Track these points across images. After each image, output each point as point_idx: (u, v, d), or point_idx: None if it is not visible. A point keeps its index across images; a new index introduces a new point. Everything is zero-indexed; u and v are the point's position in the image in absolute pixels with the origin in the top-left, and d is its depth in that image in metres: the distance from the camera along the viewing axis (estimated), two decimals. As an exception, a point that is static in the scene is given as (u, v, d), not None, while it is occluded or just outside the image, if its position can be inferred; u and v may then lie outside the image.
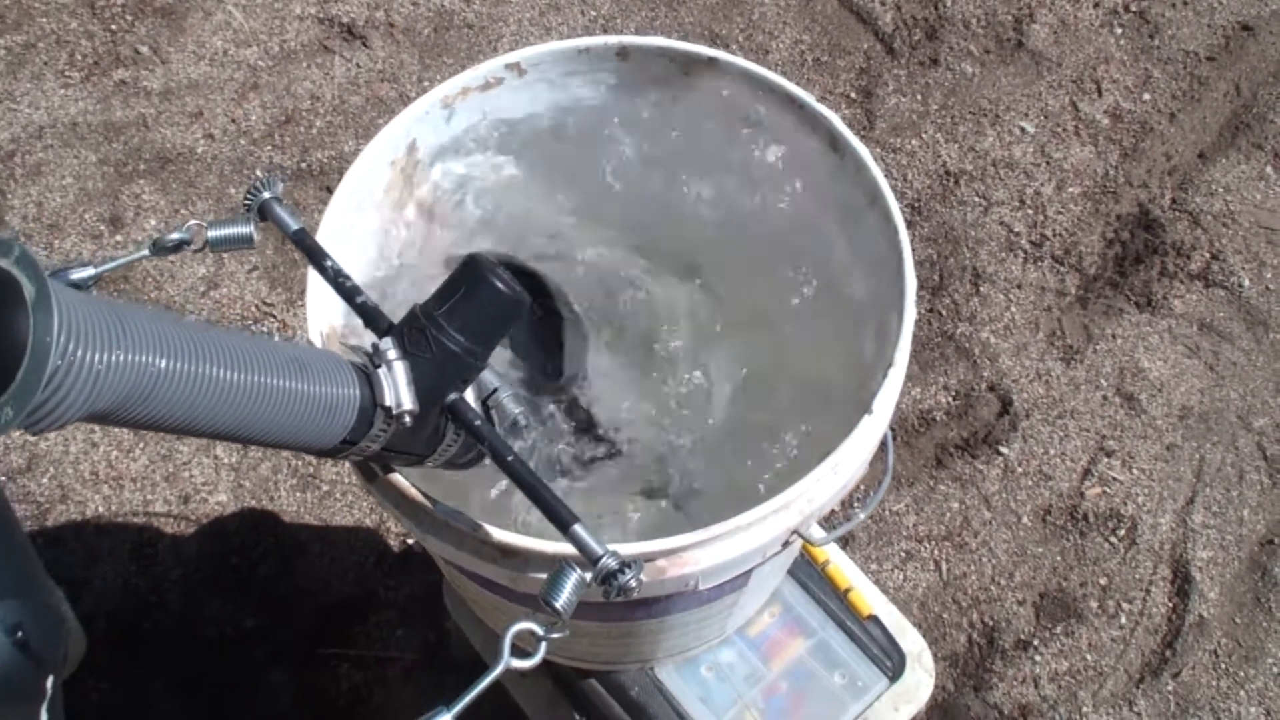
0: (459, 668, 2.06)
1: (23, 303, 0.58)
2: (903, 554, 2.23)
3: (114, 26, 2.90)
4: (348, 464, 2.20)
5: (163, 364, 0.65)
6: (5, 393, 0.57)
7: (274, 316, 2.44)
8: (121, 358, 0.62)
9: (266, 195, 0.96)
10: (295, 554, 2.21)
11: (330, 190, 2.55)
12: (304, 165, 2.65)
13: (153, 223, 2.56)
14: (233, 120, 2.74)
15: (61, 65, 2.83)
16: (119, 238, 2.53)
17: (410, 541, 2.23)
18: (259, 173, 2.64)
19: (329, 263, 0.94)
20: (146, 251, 0.94)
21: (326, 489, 2.26)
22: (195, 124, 2.73)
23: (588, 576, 0.80)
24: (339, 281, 0.93)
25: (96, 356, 0.61)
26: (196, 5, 2.94)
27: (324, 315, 1.06)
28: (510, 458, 0.85)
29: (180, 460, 2.28)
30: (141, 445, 2.30)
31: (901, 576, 2.21)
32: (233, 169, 2.66)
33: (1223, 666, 2.12)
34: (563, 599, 0.79)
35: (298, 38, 2.89)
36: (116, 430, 2.30)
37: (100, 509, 2.22)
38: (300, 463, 2.28)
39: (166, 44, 2.86)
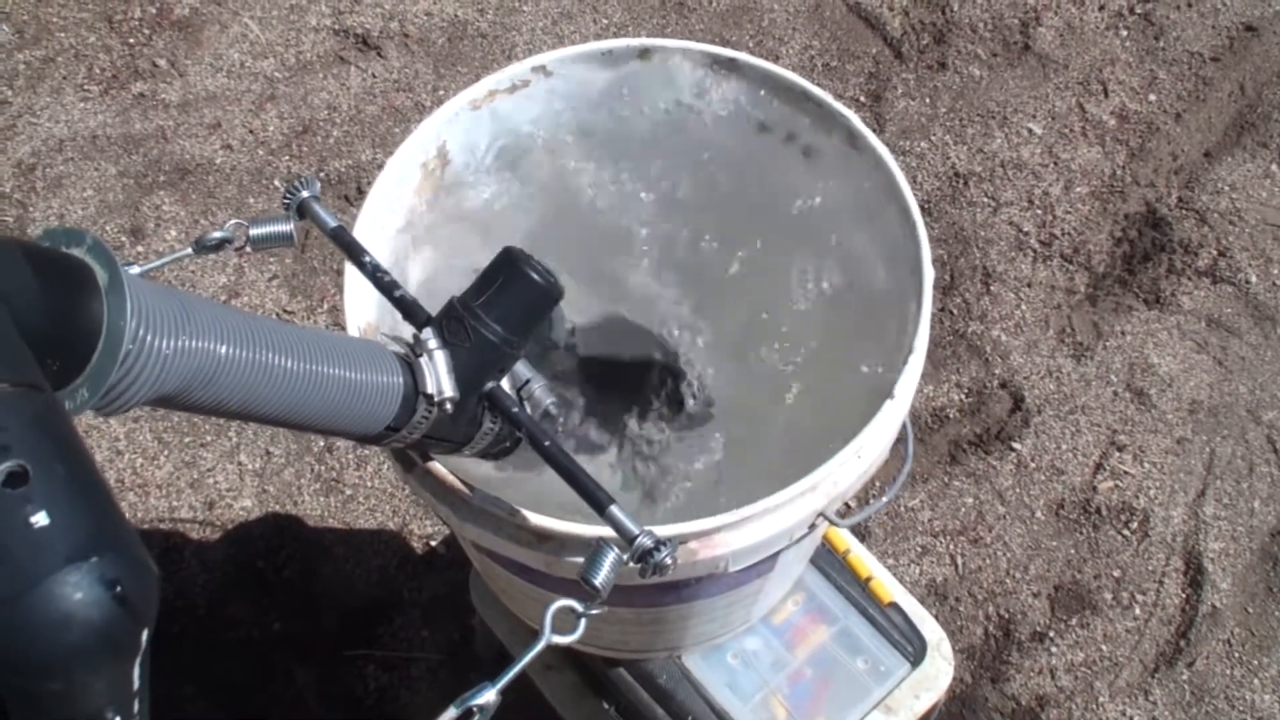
0: (483, 666, 2.08)
1: (96, 289, 0.61)
2: (919, 549, 2.25)
3: (131, 40, 2.94)
4: (369, 468, 2.23)
5: (223, 350, 0.68)
6: (82, 375, 0.60)
7: (284, 322, 2.46)
8: (187, 343, 0.65)
9: (305, 194, 0.99)
10: (319, 557, 2.24)
11: (348, 199, 2.59)
12: (322, 175, 2.68)
13: (173, 233, 2.60)
14: (251, 131, 2.77)
15: (80, 79, 2.86)
16: (140, 248, 2.57)
17: (433, 543, 2.25)
18: (278, 183, 2.68)
19: (367, 259, 0.96)
20: (190, 250, 0.96)
21: (349, 493, 2.29)
22: (214, 135, 2.76)
23: (625, 555, 0.83)
24: (377, 277, 0.95)
25: (164, 341, 0.64)
26: (213, 18, 2.97)
27: (361, 310, 1.09)
28: (548, 443, 0.88)
29: (204, 467, 2.31)
30: (166, 453, 2.33)
31: (918, 571, 2.23)
32: (251, 179, 2.69)
33: (1236, 655, 2.15)
34: (601, 576, 0.81)
35: (314, 49, 2.92)
36: (141, 438, 2.33)
37: (126, 516, 2.24)
38: (323, 467, 2.31)
39: (184, 57, 2.90)
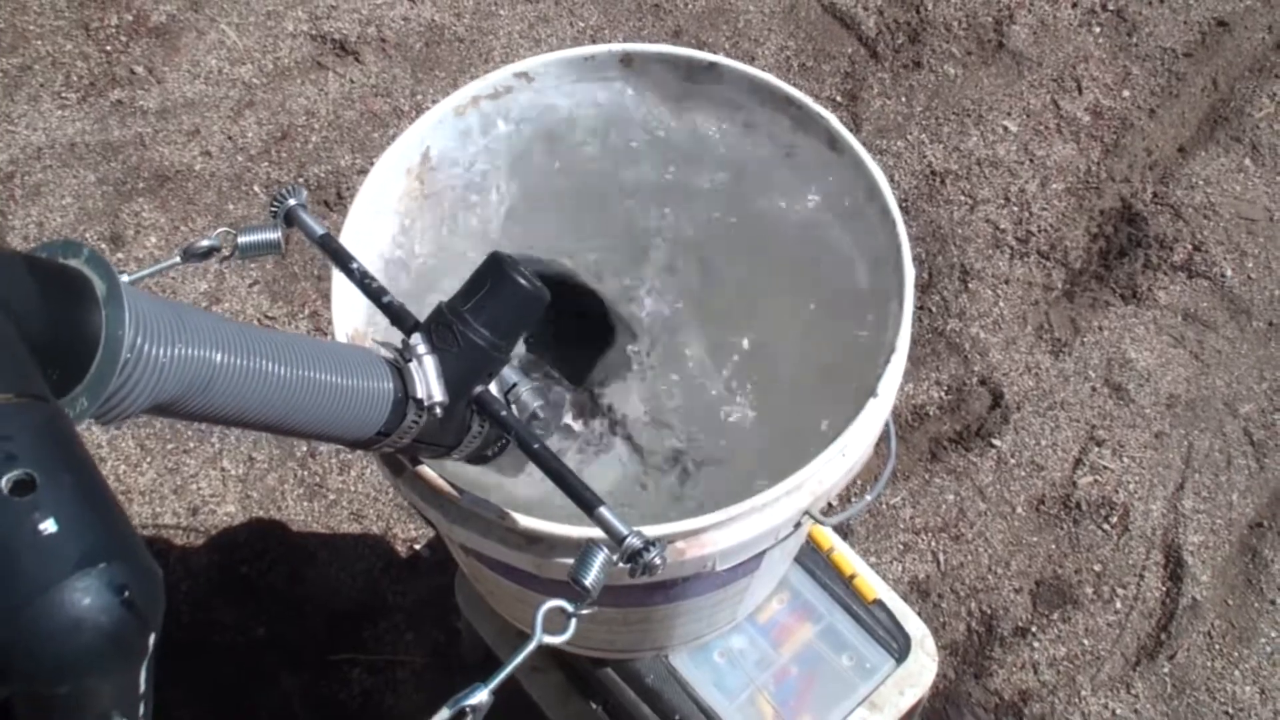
0: (469, 668, 2.09)
1: (95, 299, 0.62)
2: (901, 546, 2.27)
3: (109, 47, 2.93)
4: (353, 473, 2.23)
5: (218, 358, 0.69)
6: (81, 384, 0.61)
7: (276, 330, 2.46)
8: (183, 351, 0.66)
9: (292, 202, 0.99)
10: (304, 562, 2.24)
11: (328, 205, 2.59)
12: (301, 180, 2.68)
13: (153, 240, 2.60)
14: (229, 138, 2.77)
15: (58, 87, 2.86)
16: (120, 255, 2.57)
17: (417, 547, 2.26)
18: (257, 189, 2.68)
19: (355, 265, 0.97)
20: (178, 259, 0.97)
21: (333, 498, 2.29)
22: (192, 142, 2.76)
23: (614, 556, 0.84)
24: (365, 283, 0.96)
25: (161, 350, 0.65)
26: (190, 25, 2.97)
27: (349, 317, 1.10)
28: (536, 445, 0.89)
29: (188, 473, 2.31)
30: (149, 459, 2.32)
31: (900, 568, 2.24)
32: (231, 186, 2.69)
33: (1217, 647, 2.16)
34: (591, 577, 0.82)
35: (291, 55, 2.92)
36: (123, 445, 2.33)
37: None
38: (306, 472, 2.31)
39: (161, 64, 2.90)
